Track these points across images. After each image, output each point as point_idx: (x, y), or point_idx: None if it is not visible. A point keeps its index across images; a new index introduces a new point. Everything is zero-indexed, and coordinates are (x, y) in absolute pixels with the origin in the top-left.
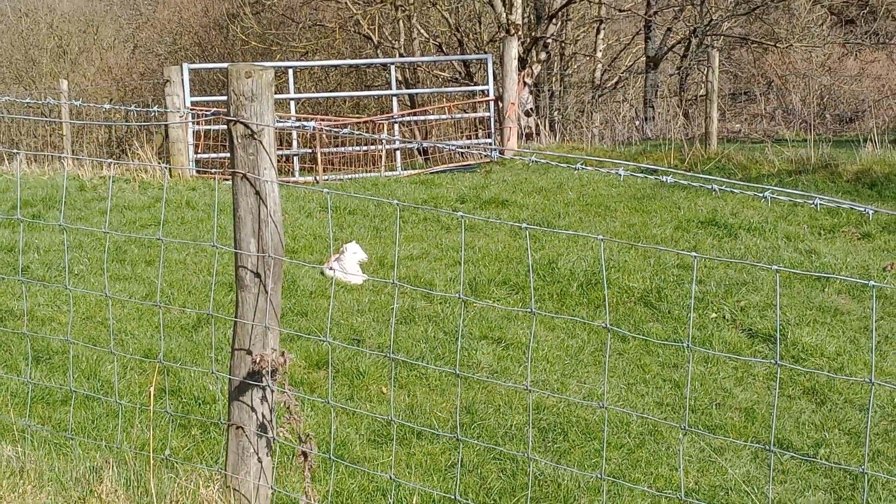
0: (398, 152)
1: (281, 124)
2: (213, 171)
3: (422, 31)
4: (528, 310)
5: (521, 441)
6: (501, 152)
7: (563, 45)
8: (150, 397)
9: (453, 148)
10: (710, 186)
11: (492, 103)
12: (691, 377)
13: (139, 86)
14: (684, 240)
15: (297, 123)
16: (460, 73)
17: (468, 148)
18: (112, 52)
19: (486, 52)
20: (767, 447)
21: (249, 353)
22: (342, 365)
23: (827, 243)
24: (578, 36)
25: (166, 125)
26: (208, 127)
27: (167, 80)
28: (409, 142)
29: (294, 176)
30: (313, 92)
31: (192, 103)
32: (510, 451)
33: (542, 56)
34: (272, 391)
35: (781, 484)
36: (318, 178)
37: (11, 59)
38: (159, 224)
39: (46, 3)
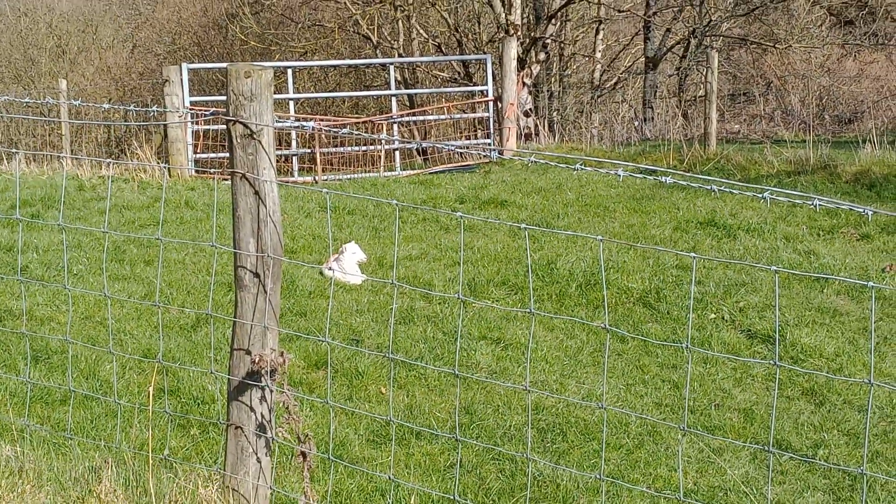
0: (397, 152)
1: (280, 124)
2: (212, 170)
3: (421, 31)
4: (527, 310)
5: (520, 441)
6: (500, 153)
7: (562, 45)
8: (149, 397)
9: (452, 148)
10: (709, 187)
11: (491, 104)
12: (690, 378)
13: (138, 85)
14: (683, 240)
15: (297, 123)
16: (459, 73)
17: (467, 148)
18: (111, 52)
19: (485, 53)
20: (766, 448)
21: (248, 353)
22: (341, 365)
23: (826, 244)
24: (577, 36)
25: (165, 125)
26: (207, 127)
27: (166, 80)
28: (408, 142)
29: (293, 176)
30: (312, 92)
31: (191, 103)
32: (509, 451)
33: (542, 56)
34: (271, 391)
35: (780, 485)
36: (317, 178)
37: (10, 59)
38: (158, 224)
39: (45, 3)
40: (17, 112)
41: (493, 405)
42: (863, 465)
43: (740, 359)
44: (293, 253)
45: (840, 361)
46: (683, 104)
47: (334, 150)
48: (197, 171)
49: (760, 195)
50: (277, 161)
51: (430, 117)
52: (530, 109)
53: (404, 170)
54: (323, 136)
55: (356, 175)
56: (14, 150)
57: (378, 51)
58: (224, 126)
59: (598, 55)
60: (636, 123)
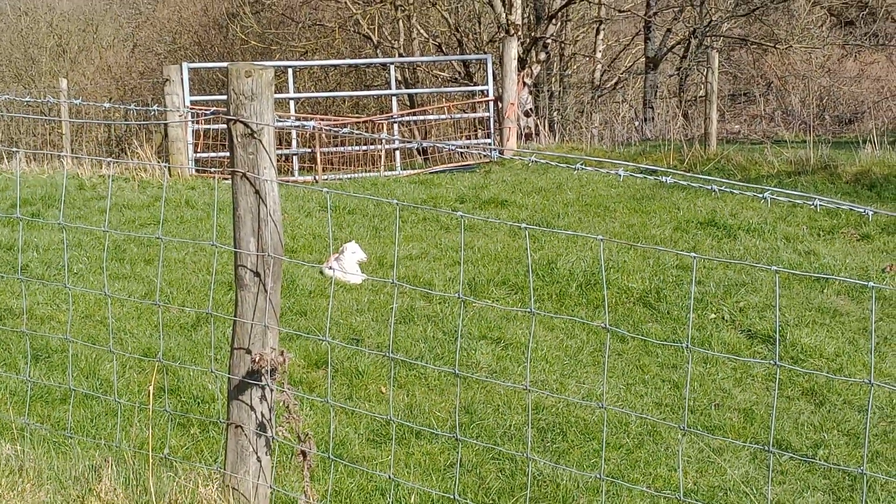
0: (397, 152)
1: (281, 124)
2: (213, 170)
3: (421, 30)
4: (528, 310)
5: (519, 441)
6: (501, 152)
7: (562, 45)
8: (149, 396)
9: (453, 148)
10: (709, 187)
11: (491, 103)
12: (690, 378)
13: (138, 85)
14: (683, 240)
15: (297, 123)
16: (460, 73)
17: (468, 148)
18: (111, 51)
19: (485, 53)
20: (766, 448)
21: (249, 352)
22: (341, 364)
23: (826, 244)
24: (578, 36)
25: (166, 124)
26: (208, 126)
27: (166, 79)
28: (408, 141)
29: (293, 175)
30: (313, 91)
31: (192, 102)
32: (509, 450)
33: (542, 56)
34: (271, 390)
35: (780, 485)
36: (317, 177)
37: (11, 58)
38: (158, 223)
39: (46, 2)
40: (18, 111)
41: (493, 405)
42: (863, 466)
43: (740, 359)
44: (293, 252)
45: (840, 361)
46: (684, 104)
47: (335, 149)
48: (197, 171)
49: (761, 195)
50: (278, 160)
51: (431, 117)
52: (531, 109)
53: (405, 169)
54: (323, 135)
55: (356, 174)
56: (14, 149)
57: (378, 50)
58: (224, 125)
59: (599, 55)
60: (636, 123)
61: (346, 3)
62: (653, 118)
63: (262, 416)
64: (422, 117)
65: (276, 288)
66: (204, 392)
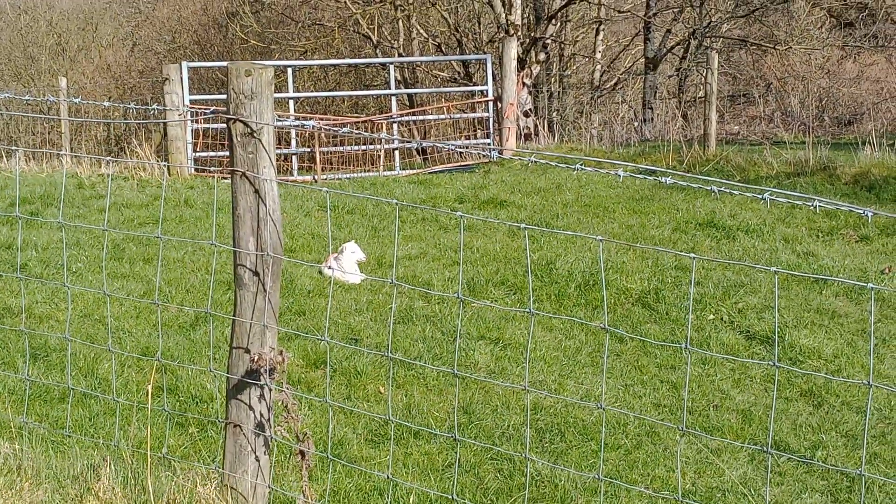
0: (397, 152)
1: (280, 123)
2: (212, 169)
3: (421, 30)
4: (526, 310)
5: (518, 441)
6: (500, 153)
7: (562, 45)
8: (147, 395)
9: (452, 148)
10: (708, 188)
11: (491, 103)
12: (689, 378)
13: (138, 84)
14: (682, 241)
15: (297, 122)
16: (459, 73)
17: (467, 148)
18: (111, 50)
19: (485, 53)
20: (765, 449)
21: (248, 351)
22: (340, 364)
23: (825, 246)
24: (578, 37)
25: (165, 123)
26: (207, 125)
27: (166, 79)
28: (407, 141)
29: (293, 175)
30: (312, 91)
31: (191, 101)
32: (507, 451)
33: (542, 57)
34: (270, 390)
35: (778, 486)
36: (316, 177)
37: (10, 57)
38: (158, 222)
39: (45, 1)
40: (17, 110)
41: (492, 405)
42: (861, 467)
43: (739, 360)
44: (292, 252)
45: (839, 363)
46: (683, 105)
47: (334, 149)
48: (196, 170)
49: (760, 196)
50: (277, 160)
51: (430, 117)
52: (530, 109)
53: (404, 169)
54: (322, 135)
55: (356, 174)
56: (14, 148)
57: (378, 50)
58: (224, 124)
59: (598, 56)
60: (636, 124)
61: (345, 2)
62: (652, 119)
63: (261, 415)
64: (421, 117)
65: (276, 287)
66: (202, 391)
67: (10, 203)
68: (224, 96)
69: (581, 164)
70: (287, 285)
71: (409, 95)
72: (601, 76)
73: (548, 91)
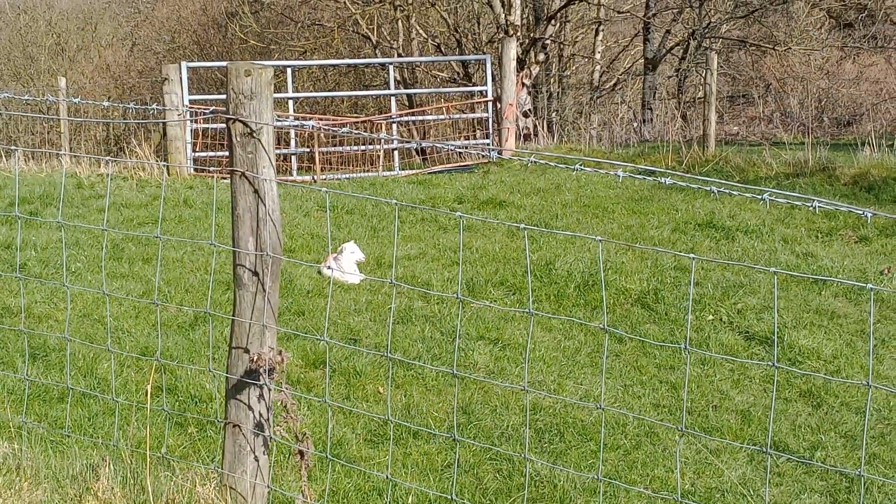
0: (396, 152)
1: (280, 123)
2: (211, 169)
3: (420, 31)
4: (526, 310)
5: (517, 441)
6: (499, 153)
7: (561, 46)
8: (146, 395)
9: (452, 148)
10: (708, 188)
11: (490, 104)
12: (688, 379)
13: (137, 84)
14: (682, 242)
15: (296, 122)
16: (459, 73)
17: (466, 148)
18: (110, 50)
19: (484, 53)
20: (764, 449)
21: (247, 351)
22: (339, 364)
23: (824, 246)
24: (577, 37)
25: (164, 123)
26: (206, 125)
27: (165, 79)
28: (407, 142)
29: (292, 175)
30: (311, 91)
31: (190, 101)
32: (507, 451)
33: (541, 57)
34: (269, 390)
35: (777, 486)
36: (315, 177)
37: (10, 57)
38: (157, 222)
39: (45, 1)
40: (17, 109)
41: (491, 405)
42: (860, 468)
43: (738, 360)
44: (292, 252)
45: (838, 363)
46: (682, 106)
47: (333, 149)
48: (196, 170)
49: (759, 197)
50: (276, 160)
51: (430, 117)
52: (529, 110)
53: (403, 169)
54: (322, 135)
55: (355, 174)
56: (13, 148)
57: (377, 50)
58: (223, 124)
59: (598, 56)
60: (635, 125)
61: (345, 2)
62: (651, 119)
63: (260, 415)
64: (420, 117)
65: (275, 287)
66: (202, 391)
67: (10, 203)
68: (223, 96)
69: (580, 165)
70: (286, 285)
71: (409, 96)
72: (600, 77)
73: (547, 91)
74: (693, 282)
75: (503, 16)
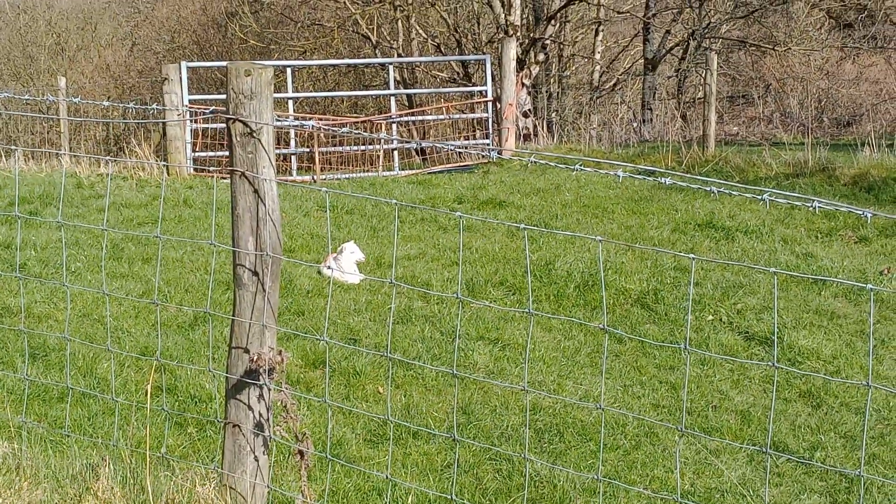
0: (396, 152)
1: (280, 123)
2: (211, 169)
3: (420, 31)
4: (525, 310)
5: (517, 442)
6: (499, 153)
7: (561, 46)
8: (146, 395)
9: (451, 148)
10: (708, 189)
11: (490, 104)
12: (688, 379)
13: (137, 83)
14: (681, 242)
15: (296, 122)
16: (458, 73)
17: (466, 148)
18: (110, 50)
19: (484, 53)
20: (763, 450)
21: (247, 351)
22: (339, 364)
23: (824, 247)
24: (577, 37)
25: (164, 123)
26: (206, 125)
27: (165, 78)
28: (407, 142)
29: (292, 175)
30: (311, 91)
31: (190, 101)
32: (506, 451)
33: (541, 57)
34: (269, 389)
35: (777, 487)
36: (315, 177)
37: (10, 56)
38: (157, 222)
39: (45, 0)
40: (16, 109)
41: (491, 405)
42: (860, 468)
43: (738, 360)
44: (291, 252)
45: (837, 364)
46: (682, 106)
47: (333, 149)
48: (196, 170)
49: (759, 197)
50: (276, 160)
51: (429, 117)
52: (529, 110)
53: (403, 170)
54: (322, 135)
55: (355, 174)
56: (13, 147)
57: (377, 50)
58: (223, 124)
59: (598, 56)
60: (635, 125)
61: (345, 2)
62: (651, 119)
63: (260, 415)
64: (420, 117)
65: (275, 287)
66: (201, 391)
67: (10, 202)
68: (223, 96)
69: (580, 165)
70: (286, 285)
71: (409, 96)
72: (600, 77)
73: (547, 92)
74: (693, 282)
75: (503, 16)
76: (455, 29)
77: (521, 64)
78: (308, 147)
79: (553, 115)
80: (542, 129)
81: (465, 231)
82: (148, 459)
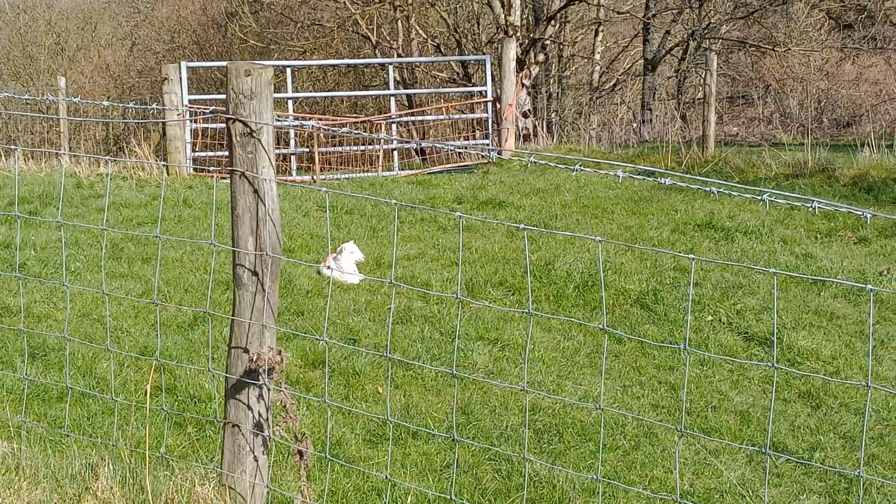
0: (395, 152)
1: (279, 123)
2: (211, 169)
3: (420, 31)
4: (525, 311)
5: (516, 442)
6: (499, 153)
7: (561, 46)
8: (145, 395)
9: (451, 148)
10: (707, 189)
11: (490, 104)
12: (687, 379)
13: (137, 83)
14: (681, 242)
15: (296, 122)
16: (458, 73)
17: (466, 149)
18: (110, 50)
19: (484, 53)
20: (763, 450)
21: (246, 351)
22: (338, 364)
23: (824, 247)
24: (577, 38)
25: (164, 123)
26: (206, 125)
27: (165, 78)
28: (406, 142)
29: (291, 175)
30: (311, 91)
31: (190, 101)
32: (506, 451)
33: (541, 57)
34: (269, 389)
35: (776, 487)
36: (315, 177)
37: (9, 56)
38: (156, 222)
39: (45, 0)
40: (16, 109)
41: (490, 405)
42: (859, 468)
43: (737, 361)
44: (291, 252)
45: (837, 364)
46: (682, 106)
47: (333, 149)
48: (195, 170)
49: (759, 198)
50: (276, 160)
51: (429, 117)
52: (529, 110)
53: (402, 170)
54: (321, 135)
55: (354, 175)
56: (12, 147)
57: (377, 51)
58: (223, 124)
59: (597, 57)
60: (634, 125)
61: (344, 3)
62: (651, 120)
63: (259, 415)
64: (420, 118)
65: (274, 287)
66: (201, 391)
67: (9, 202)
68: (223, 96)
69: (580, 165)
70: (286, 285)
71: (408, 96)
72: (600, 77)
73: (547, 92)
74: (692, 282)
75: (503, 16)
76: (455, 29)
77: (520, 64)
78: (308, 147)
79: (553, 115)
80: (542, 129)
81: (465, 231)
82: (147, 459)
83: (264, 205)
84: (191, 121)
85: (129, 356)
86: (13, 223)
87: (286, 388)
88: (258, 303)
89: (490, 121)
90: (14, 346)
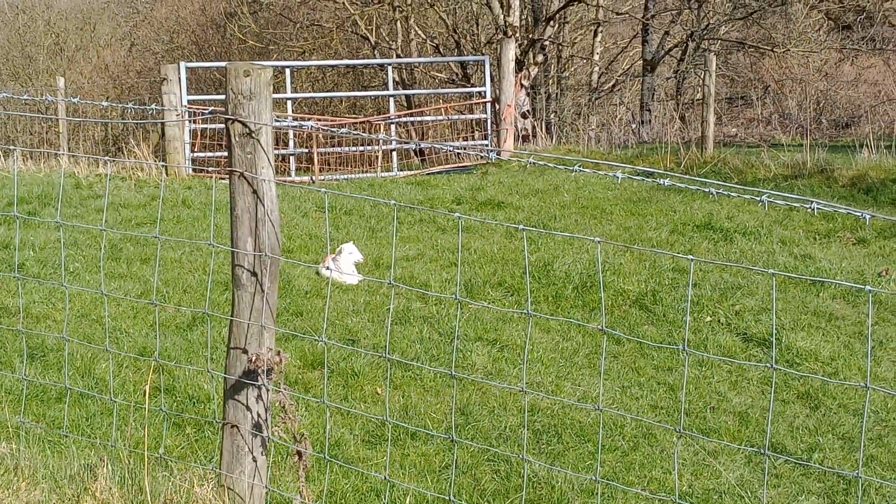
0: (394, 153)
1: (278, 124)
2: (210, 169)
3: (419, 31)
4: (524, 311)
5: (515, 443)
6: (498, 154)
7: (560, 47)
8: (144, 395)
9: (450, 149)
10: (706, 190)
11: (489, 105)
12: (686, 380)
13: (136, 84)
14: (680, 243)
15: (295, 123)
16: (457, 74)
17: (465, 149)
18: (109, 50)
19: (483, 54)
20: (761, 451)
21: (245, 351)
22: (337, 365)
23: (822, 248)
24: (576, 38)
25: (163, 123)
26: (205, 126)
27: (164, 79)
28: (405, 142)
29: (290, 175)
30: (310, 92)
31: (189, 102)
32: (504, 452)
33: (540, 58)
34: (267, 390)
35: (775, 488)
36: (314, 177)
37: (8, 56)
38: (155, 222)
39: (44, 0)
40: (15, 109)
41: (489, 406)
42: (858, 469)
43: (736, 361)
44: (290, 252)
45: (835, 365)
46: (681, 107)
47: (332, 150)
48: (194, 170)
49: (758, 198)
50: (275, 160)
51: (428, 118)
52: (528, 111)
53: (401, 170)
54: (320, 135)
55: (353, 175)
56: (11, 147)
57: (376, 51)
58: (222, 125)
59: (596, 57)
60: (633, 126)
61: (343, 3)
62: (650, 121)
63: (258, 416)
64: (419, 118)
65: (273, 288)
66: (199, 392)
67: (8, 203)
68: (222, 97)
69: (579, 166)
70: (284, 286)
71: (407, 96)
72: (599, 78)
73: (546, 92)
74: (691, 283)
75: (502, 17)
76: (454, 30)
77: (519, 65)
78: (307, 148)
79: (552, 116)
80: (541, 130)
81: (464, 232)
82: (146, 460)
83: (263, 205)
84: (190, 121)
85: (127, 357)
86: (12, 223)
87: (285, 389)
88: (257, 303)
89: (489, 121)
90: (13, 346)
